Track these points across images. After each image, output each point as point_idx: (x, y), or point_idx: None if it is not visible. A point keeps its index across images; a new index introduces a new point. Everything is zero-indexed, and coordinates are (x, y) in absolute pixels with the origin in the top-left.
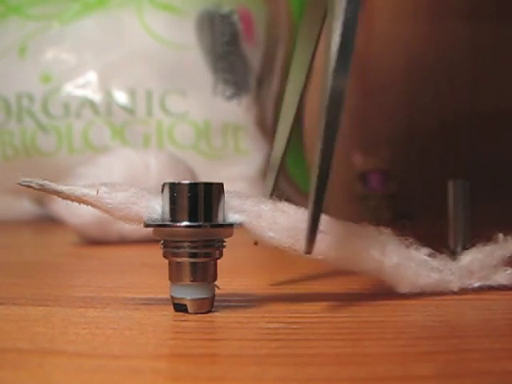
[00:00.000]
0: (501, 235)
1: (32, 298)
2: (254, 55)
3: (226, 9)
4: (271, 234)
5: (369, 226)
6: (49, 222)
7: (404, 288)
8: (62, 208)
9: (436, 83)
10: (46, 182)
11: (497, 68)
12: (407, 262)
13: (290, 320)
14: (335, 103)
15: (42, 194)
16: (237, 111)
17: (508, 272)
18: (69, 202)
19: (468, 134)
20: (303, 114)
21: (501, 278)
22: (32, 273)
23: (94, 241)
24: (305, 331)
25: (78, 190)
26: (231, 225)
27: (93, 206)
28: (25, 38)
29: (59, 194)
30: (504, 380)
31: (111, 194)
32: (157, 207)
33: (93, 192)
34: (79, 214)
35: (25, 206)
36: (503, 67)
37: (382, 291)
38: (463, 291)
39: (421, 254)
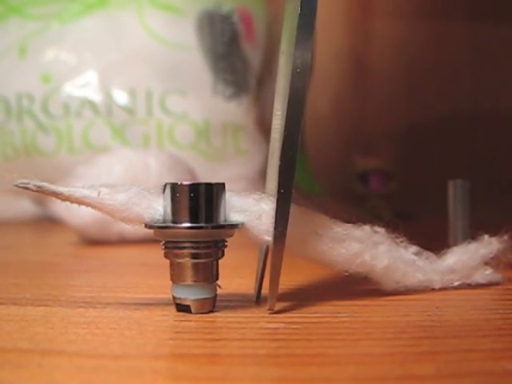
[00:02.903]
0: (486, 236)
1: (32, 297)
2: (253, 55)
3: (226, 9)
4: (267, 238)
5: (363, 226)
6: (49, 222)
7: (390, 287)
8: (61, 208)
9: (436, 83)
10: (45, 184)
11: (497, 68)
12: (396, 264)
13: (289, 320)
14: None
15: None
16: (237, 111)
17: (487, 272)
18: (68, 203)
19: (468, 134)
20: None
21: (480, 277)
22: (32, 273)
23: (94, 241)
24: (305, 331)
25: (78, 191)
26: (233, 225)
27: (93, 207)
28: (25, 38)
29: (58, 195)
30: (504, 380)
31: (112, 196)
32: (159, 208)
33: (93, 194)
34: (79, 215)
35: (25, 206)
36: (503, 67)
37: (382, 291)
38: (444, 289)
39: (409, 253)
